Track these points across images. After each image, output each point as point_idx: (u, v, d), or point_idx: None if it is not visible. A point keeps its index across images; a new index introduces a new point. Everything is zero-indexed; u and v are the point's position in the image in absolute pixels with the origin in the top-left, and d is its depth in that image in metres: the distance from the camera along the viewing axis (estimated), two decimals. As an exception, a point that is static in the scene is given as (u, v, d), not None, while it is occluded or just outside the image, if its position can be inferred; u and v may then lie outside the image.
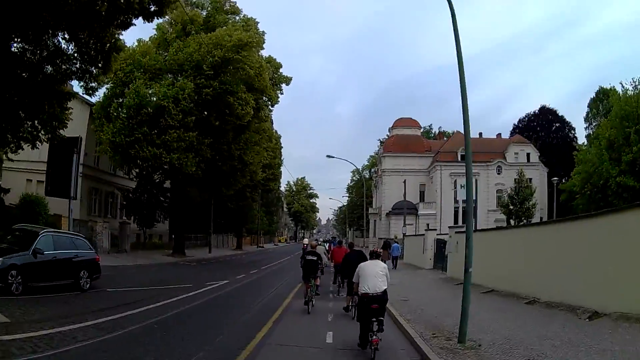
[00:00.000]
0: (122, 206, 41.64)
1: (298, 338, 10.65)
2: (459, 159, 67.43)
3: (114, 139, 31.18)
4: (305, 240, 29.57)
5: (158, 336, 9.85)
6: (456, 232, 23.86)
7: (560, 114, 77.91)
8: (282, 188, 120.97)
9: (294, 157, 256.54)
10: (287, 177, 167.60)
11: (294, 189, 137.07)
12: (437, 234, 32.12)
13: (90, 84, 22.08)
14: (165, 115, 31.64)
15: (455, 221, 63.29)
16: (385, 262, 24.78)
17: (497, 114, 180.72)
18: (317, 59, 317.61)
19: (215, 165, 36.88)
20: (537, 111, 79.38)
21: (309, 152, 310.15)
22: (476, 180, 23.97)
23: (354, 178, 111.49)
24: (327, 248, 28.29)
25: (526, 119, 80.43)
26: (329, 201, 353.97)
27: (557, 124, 77.13)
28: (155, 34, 37.86)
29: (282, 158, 75.52)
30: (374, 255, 10.40)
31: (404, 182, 51.44)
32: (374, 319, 8.65)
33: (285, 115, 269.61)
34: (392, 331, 11.63)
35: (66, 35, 19.58)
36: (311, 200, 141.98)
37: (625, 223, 10.97)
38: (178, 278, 22.58)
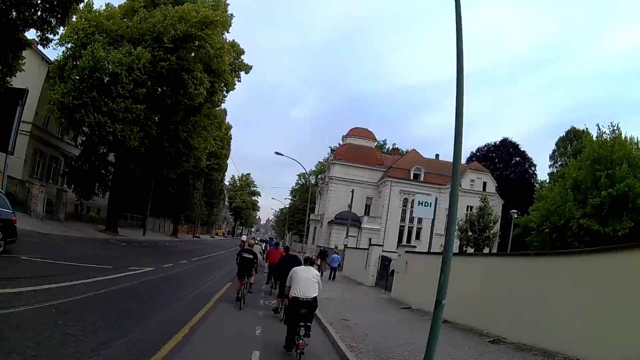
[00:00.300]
0: (64, 173, 39.16)
1: (228, 332, 10.75)
2: (412, 177, 67.42)
3: (63, 100, 28.86)
4: (244, 237, 30.59)
5: (51, 325, 7.79)
6: (407, 252, 22.31)
7: (522, 149, 78.89)
8: (226, 181, 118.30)
9: (243, 152, 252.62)
10: (233, 171, 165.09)
11: (238, 184, 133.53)
12: (383, 251, 30.41)
13: (47, 34, 21.83)
14: (117, 84, 29.25)
15: (400, 240, 62.64)
16: (322, 272, 22.45)
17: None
18: (283, 60, 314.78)
19: (159, 144, 34.52)
20: (498, 142, 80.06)
21: (259, 151, 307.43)
22: (430, 203, 22.32)
23: (299, 182, 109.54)
24: (263, 248, 28.11)
25: (485, 148, 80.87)
26: (271, 202, 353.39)
27: (518, 158, 77.90)
28: (125, 1, 35.32)
29: (230, 149, 73.14)
30: (308, 262, 10.22)
31: (352, 191, 49.59)
32: (302, 324, 8.83)
33: (241, 111, 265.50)
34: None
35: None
36: (253, 198, 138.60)
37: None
38: (102, 257, 20.60)
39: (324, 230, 70.20)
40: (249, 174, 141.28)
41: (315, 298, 9.18)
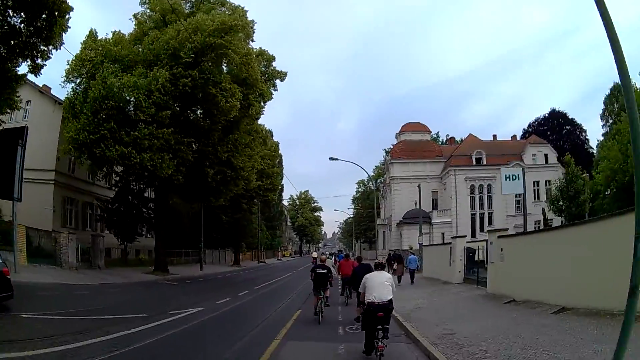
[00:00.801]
0: (100, 218, 37.01)
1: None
2: (474, 162, 63.12)
3: (77, 137, 26.83)
4: (314, 254, 29.54)
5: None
6: (500, 237, 18.55)
7: (570, 117, 76.40)
8: (285, 202, 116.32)
9: (296, 172, 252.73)
10: (290, 190, 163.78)
11: (297, 203, 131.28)
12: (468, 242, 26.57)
13: (36, 60, 20.37)
14: (136, 109, 27.25)
15: (473, 229, 58.34)
16: (400, 277, 25.22)
17: (505, 120, 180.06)
18: (318, 76, 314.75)
19: (199, 170, 31.91)
20: (547, 115, 77.73)
21: (313, 169, 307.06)
22: (518, 175, 18.85)
23: (359, 189, 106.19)
24: (333, 262, 27.04)
25: (536, 122, 78.44)
26: (334, 215, 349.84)
27: (568, 127, 75.12)
28: (133, 28, 33.18)
29: (282, 168, 70.78)
30: (379, 267, 10.16)
31: (419, 186, 45.77)
32: (379, 327, 8.78)
33: (287, 133, 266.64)
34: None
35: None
36: (315, 214, 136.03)
37: None
38: (139, 303, 17.87)
39: (394, 233, 66.33)
40: (307, 190, 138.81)
41: (390, 300, 9.08)
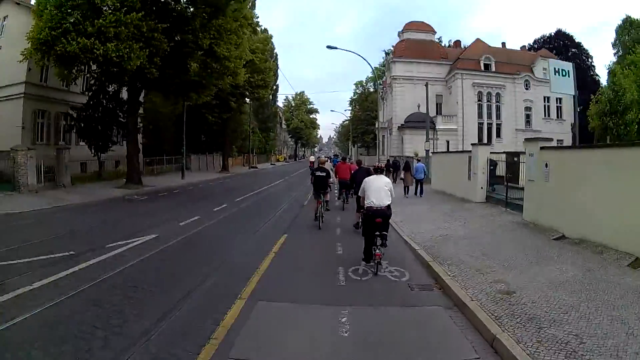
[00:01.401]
0: (69, 128, 32.59)
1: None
2: (482, 68, 58.76)
3: (39, 36, 22.27)
4: (312, 158, 30.28)
5: None
6: (543, 148, 14.52)
7: (577, 40, 73.00)
8: (280, 104, 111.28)
9: (293, 76, 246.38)
10: (287, 91, 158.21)
11: (293, 104, 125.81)
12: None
13: None
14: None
15: (480, 139, 54.24)
16: (408, 187, 24.53)
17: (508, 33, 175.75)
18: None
19: (178, 61, 27.29)
20: (553, 34, 74.28)
21: (310, 72, 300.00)
22: (568, 71, 14.63)
23: (357, 91, 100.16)
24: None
25: (542, 40, 75.07)
26: (331, 118, 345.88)
27: (574, 50, 70.98)
28: None
29: (276, 64, 65.49)
30: (379, 171, 10.08)
31: (426, 85, 41.03)
32: (377, 233, 8.87)
33: (284, 37, 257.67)
34: None
35: None
36: (311, 116, 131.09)
37: None
38: (82, 232, 13.99)
39: (395, 138, 61.94)
40: (303, 92, 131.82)
41: (389, 206, 9.18)
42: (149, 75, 25.27)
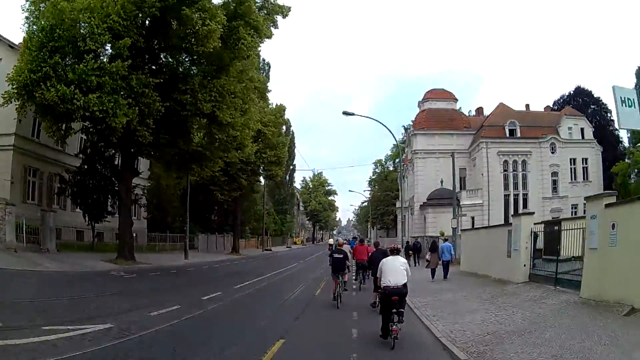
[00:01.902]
0: (61, 191, 30.00)
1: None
2: (507, 134, 56.02)
3: (19, 78, 20.13)
4: (331, 240, 31.69)
5: None
6: (608, 205, 11.35)
7: (596, 95, 70.85)
8: (298, 185, 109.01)
9: (311, 157, 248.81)
10: (303, 171, 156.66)
11: (311, 186, 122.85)
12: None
13: None
14: (86, 39, 20.21)
15: (506, 215, 50.47)
16: (435, 270, 22.80)
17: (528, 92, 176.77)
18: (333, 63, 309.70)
19: (175, 125, 24.90)
20: (572, 92, 72.71)
21: (327, 154, 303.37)
22: (634, 100, 11.69)
23: (376, 170, 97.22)
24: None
25: (561, 100, 73.18)
26: (349, 199, 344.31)
27: (593, 107, 69.44)
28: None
29: (292, 143, 63.47)
30: (395, 252, 10.36)
31: (452, 155, 38.24)
32: (394, 310, 9.10)
33: (300, 120, 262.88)
34: None
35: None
36: (330, 198, 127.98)
37: None
38: (35, 302, 11.87)
39: (417, 217, 58.30)
40: (321, 172, 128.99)
41: (405, 285, 9.46)
42: (141, 138, 22.70)
